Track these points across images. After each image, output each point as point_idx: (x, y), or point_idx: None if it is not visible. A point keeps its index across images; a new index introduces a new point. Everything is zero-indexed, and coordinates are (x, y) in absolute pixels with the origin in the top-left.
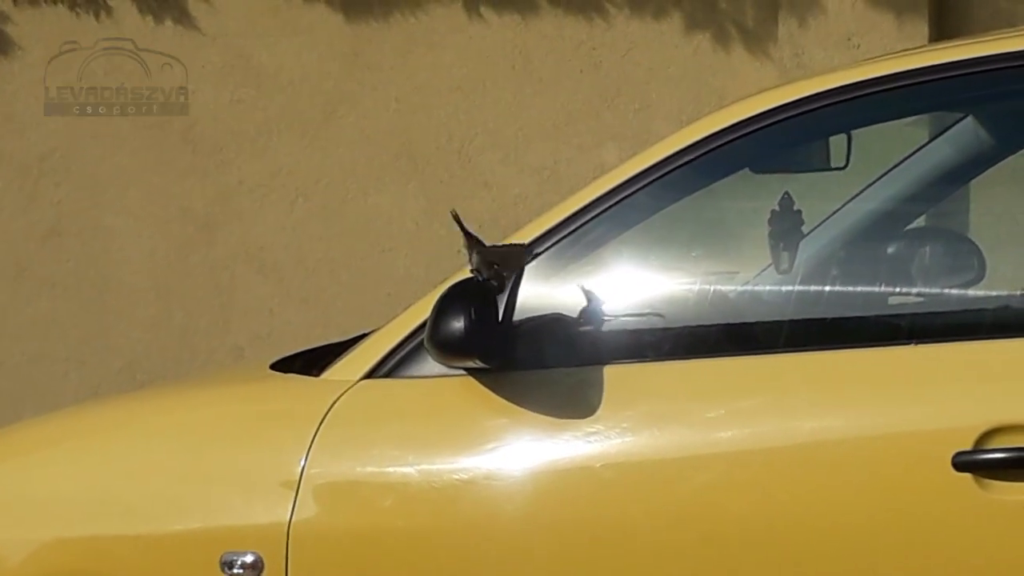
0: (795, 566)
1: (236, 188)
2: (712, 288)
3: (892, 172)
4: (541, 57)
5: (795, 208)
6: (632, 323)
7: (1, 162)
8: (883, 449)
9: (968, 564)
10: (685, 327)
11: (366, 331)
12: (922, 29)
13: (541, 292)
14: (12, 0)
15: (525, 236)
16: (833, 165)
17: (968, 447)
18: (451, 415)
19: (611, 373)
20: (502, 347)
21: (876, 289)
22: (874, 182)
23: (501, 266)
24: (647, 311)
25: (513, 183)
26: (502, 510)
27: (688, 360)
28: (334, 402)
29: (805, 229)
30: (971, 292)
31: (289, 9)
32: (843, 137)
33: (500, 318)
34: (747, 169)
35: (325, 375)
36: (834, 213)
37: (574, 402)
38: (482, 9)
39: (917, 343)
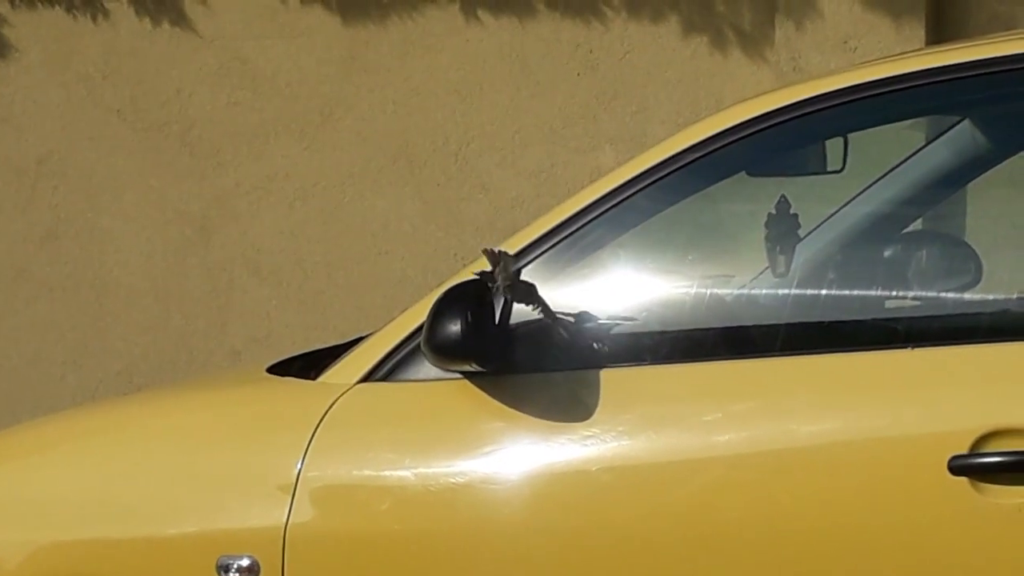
0: (792, 569)
1: (233, 191)
2: (709, 291)
3: (889, 175)
4: (538, 60)
5: (792, 211)
6: (629, 326)
7: None
8: (879, 453)
9: (964, 568)
10: (682, 330)
11: (363, 334)
12: (919, 32)
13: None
14: (10, 2)
15: (522, 239)
16: (830, 168)
17: (964, 451)
18: (448, 418)
19: (608, 376)
20: (499, 351)
21: (873, 293)
22: (871, 185)
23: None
24: (644, 314)
25: (510, 186)
26: (499, 513)
27: (685, 364)
28: (331, 405)
29: (802, 233)
30: (968, 295)
31: (286, 12)
32: (840, 140)
33: (497, 321)
34: (744, 172)
35: (322, 378)
36: (831, 216)
37: (571, 405)
38: (479, 12)
39: (914, 347)
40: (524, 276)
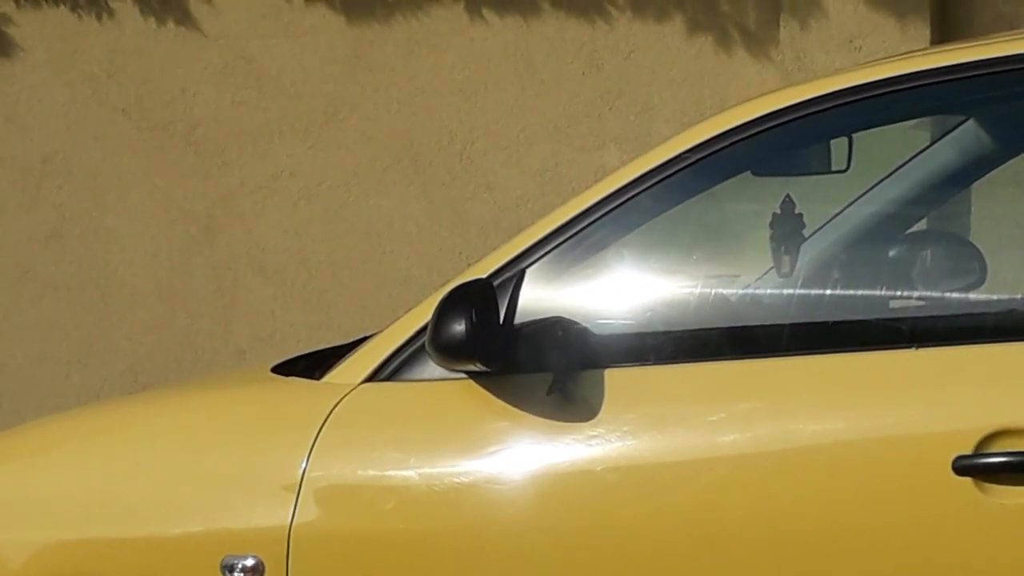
0: (796, 569)
1: (238, 190)
2: (713, 291)
3: (894, 175)
4: (543, 59)
5: (796, 211)
6: (633, 326)
7: (4, 164)
8: (884, 452)
9: (968, 568)
10: (686, 330)
11: (368, 334)
12: (924, 32)
13: (542, 295)
14: (15, 2)
15: (526, 239)
16: (834, 168)
17: (969, 451)
18: (452, 418)
19: (612, 376)
20: (503, 350)
21: (877, 292)
22: (875, 185)
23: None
24: (648, 314)
25: (514, 185)
26: (503, 513)
27: (689, 363)
28: (335, 405)
29: (806, 232)
30: (972, 295)
31: (291, 11)
32: (844, 140)
33: (501, 321)
34: (748, 172)
35: (327, 378)
36: (835, 216)
37: (575, 405)
38: (484, 11)
39: (918, 347)
40: (529, 275)
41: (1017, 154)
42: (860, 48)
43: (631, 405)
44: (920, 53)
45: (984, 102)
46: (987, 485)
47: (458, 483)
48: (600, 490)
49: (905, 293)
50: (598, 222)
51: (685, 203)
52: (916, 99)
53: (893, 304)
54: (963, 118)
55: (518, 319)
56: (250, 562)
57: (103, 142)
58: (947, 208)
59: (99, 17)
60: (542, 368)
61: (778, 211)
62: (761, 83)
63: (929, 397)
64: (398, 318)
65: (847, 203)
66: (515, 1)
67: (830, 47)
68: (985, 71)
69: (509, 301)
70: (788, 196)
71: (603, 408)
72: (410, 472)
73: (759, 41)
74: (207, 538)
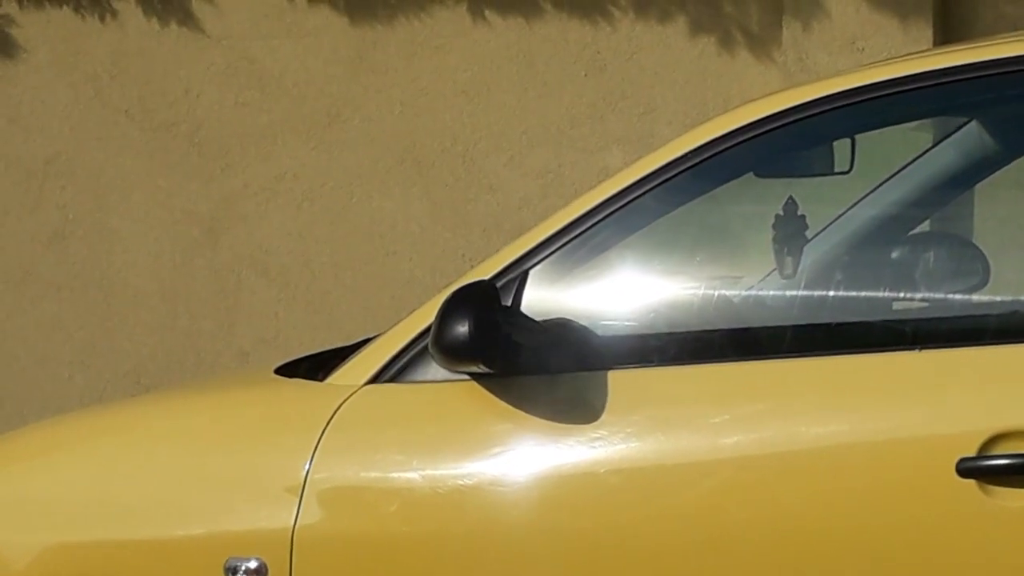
0: (800, 571)
1: (241, 191)
2: (716, 293)
3: (896, 176)
4: (545, 60)
5: (799, 213)
6: (636, 327)
7: (7, 165)
8: (887, 454)
9: (972, 570)
10: (689, 332)
11: (371, 335)
12: (926, 33)
13: (545, 296)
14: (17, 3)
15: (529, 240)
16: (837, 169)
17: (972, 453)
18: (456, 420)
19: (615, 378)
20: (506, 352)
21: (880, 294)
22: (878, 187)
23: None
24: (651, 315)
25: (517, 186)
26: (507, 515)
27: (692, 365)
28: (339, 407)
29: (809, 234)
30: (975, 297)
31: (294, 12)
32: (847, 141)
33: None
34: (751, 173)
35: (330, 380)
36: (838, 218)
37: (579, 407)
38: (486, 12)
39: (921, 348)
40: (532, 277)
41: (1020, 155)
42: (863, 49)
43: (634, 407)
44: (923, 54)
45: (987, 103)
46: (991, 487)
47: (461, 485)
48: (603, 492)
49: (908, 295)
50: (601, 223)
51: (688, 204)
52: (919, 100)
53: (896, 306)
54: (966, 119)
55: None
56: (253, 564)
57: (106, 143)
58: (950, 209)
59: (102, 18)
60: (546, 369)
61: (781, 212)
62: (764, 84)
63: (932, 399)
64: (401, 319)
65: (850, 204)
66: (518, 3)
67: (833, 48)
68: (988, 72)
69: (512, 302)
70: (791, 197)
71: (606, 410)
72: (413, 474)
73: (762, 42)
74: (210, 540)
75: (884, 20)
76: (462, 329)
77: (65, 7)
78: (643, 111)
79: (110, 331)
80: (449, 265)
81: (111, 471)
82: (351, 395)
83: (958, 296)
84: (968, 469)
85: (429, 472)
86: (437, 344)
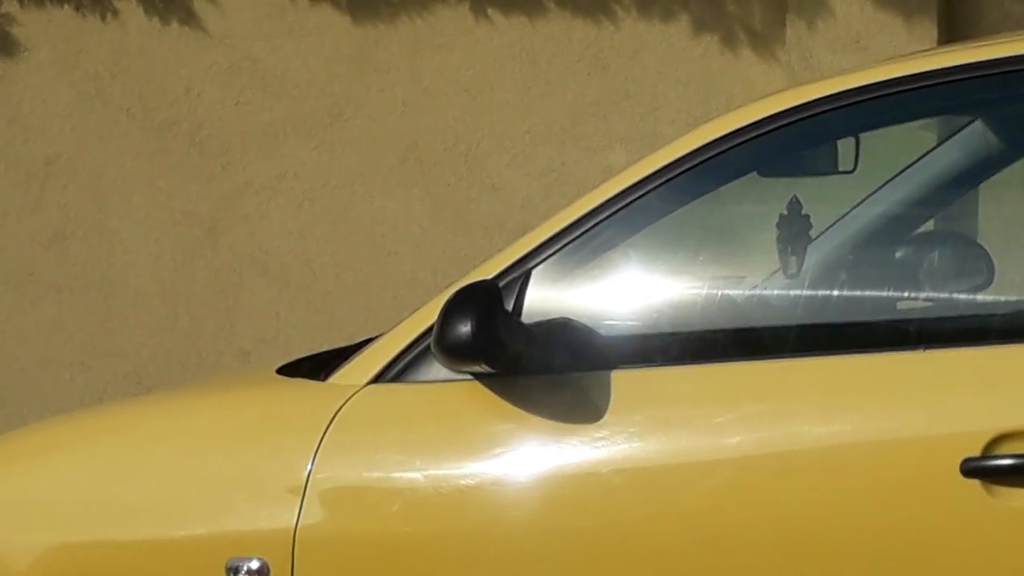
0: (802, 571)
1: (242, 191)
2: (720, 292)
3: (900, 176)
4: (548, 59)
5: (803, 212)
6: (639, 327)
7: (8, 165)
8: (891, 454)
9: (976, 570)
10: (692, 332)
11: (372, 335)
12: (931, 31)
13: (548, 296)
14: (18, 2)
15: (532, 240)
16: (841, 169)
17: (976, 453)
18: (458, 420)
19: (618, 378)
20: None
21: (884, 294)
22: (882, 186)
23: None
24: (654, 315)
25: (520, 186)
26: (509, 515)
27: (695, 365)
28: (340, 407)
29: (813, 233)
30: (980, 297)
31: (296, 11)
32: (851, 141)
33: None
34: (755, 173)
35: (331, 379)
36: (842, 217)
37: (581, 407)
38: (489, 11)
39: (926, 348)
40: (535, 276)
41: None
42: (867, 48)
43: (637, 407)
44: (927, 53)
45: (991, 102)
46: (995, 487)
47: (463, 485)
48: (605, 492)
49: (912, 294)
50: (604, 223)
51: (691, 204)
52: (923, 99)
53: (900, 305)
54: (970, 118)
55: (524, 319)
56: (255, 564)
57: (107, 143)
58: (954, 209)
59: (103, 17)
60: (548, 369)
61: (785, 212)
62: (767, 83)
63: (936, 399)
64: (403, 319)
65: (854, 204)
66: (520, 1)
67: (837, 47)
68: (992, 71)
69: (515, 302)
70: (795, 197)
71: (609, 410)
72: (415, 474)
73: (765, 41)
74: (212, 540)
75: (888, 19)
76: (464, 329)
77: (66, 6)
78: (646, 110)
79: (111, 332)
80: (451, 265)
81: (112, 471)
82: (353, 395)
83: (962, 296)
84: (972, 469)
85: (431, 472)
86: (439, 344)
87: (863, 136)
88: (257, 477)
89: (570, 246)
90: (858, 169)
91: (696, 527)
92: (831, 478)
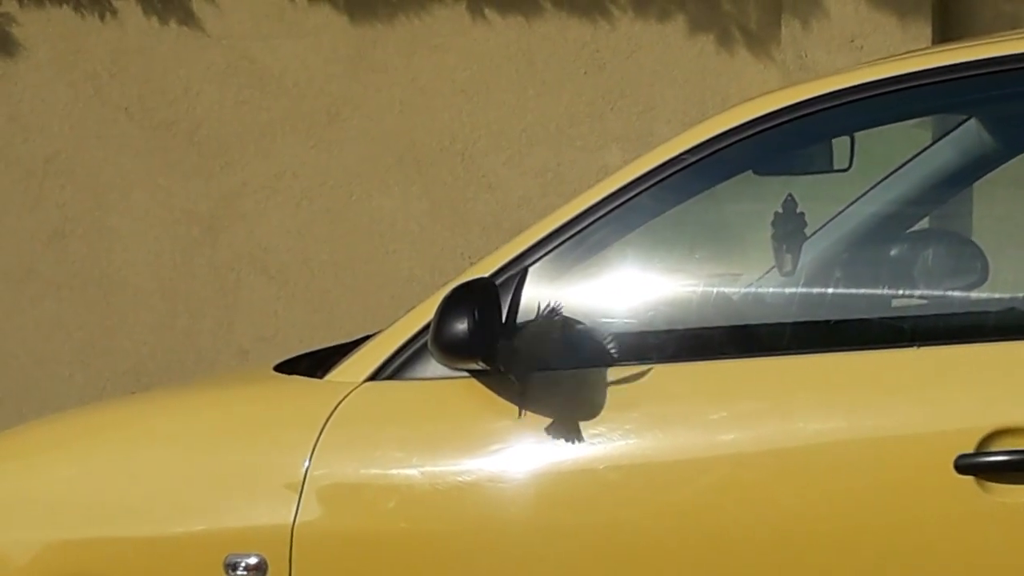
0: (798, 568)
1: (240, 190)
2: (715, 290)
3: (895, 174)
4: (544, 59)
5: (798, 210)
6: (635, 325)
7: (6, 164)
8: (885, 451)
9: (970, 567)
10: (688, 329)
11: (370, 333)
12: (925, 31)
13: (544, 294)
14: (17, 1)
15: (528, 238)
16: (836, 167)
17: (970, 449)
18: (455, 417)
19: (614, 375)
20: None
21: (879, 291)
22: (877, 184)
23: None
24: (650, 313)
25: (516, 185)
26: (506, 512)
27: (691, 362)
28: (338, 404)
29: (808, 231)
30: (974, 294)
31: (294, 11)
32: (846, 139)
33: (504, 320)
34: (750, 171)
35: (329, 377)
36: (837, 215)
37: (577, 404)
38: (486, 11)
39: (920, 345)
40: (531, 275)
41: (1018, 153)
42: (862, 47)
43: (633, 404)
44: (921, 52)
45: (985, 101)
46: (989, 484)
47: (460, 482)
48: (602, 489)
49: (907, 292)
50: (600, 221)
51: (687, 202)
52: (918, 98)
53: (895, 303)
54: (964, 117)
55: (520, 318)
56: (253, 561)
57: (106, 142)
58: (949, 207)
59: (102, 16)
60: (545, 366)
61: (780, 210)
62: (763, 83)
63: (931, 396)
64: (400, 317)
65: (849, 202)
66: (517, 1)
67: (832, 46)
68: (986, 70)
69: (511, 300)
70: (790, 195)
71: (605, 406)
72: (412, 471)
73: (761, 41)
74: (210, 537)
75: (883, 18)
76: (461, 326)
77: (65, 6)
78: (642, 109)
79: (110, 329)
80: (448, 263)
81: (111, 468)
82: (350, 392)
83: (956, 293)
84: (966, 466)
85: (428, 469)
86: (437, 341)
87: (858, 135)
88: (255, 474)
89: (566, 244)
90: (853, 168)
91: (692, 523)
92: (826, 474)
